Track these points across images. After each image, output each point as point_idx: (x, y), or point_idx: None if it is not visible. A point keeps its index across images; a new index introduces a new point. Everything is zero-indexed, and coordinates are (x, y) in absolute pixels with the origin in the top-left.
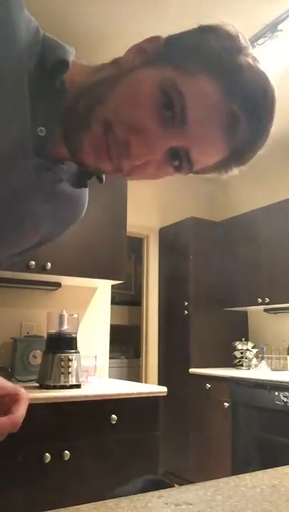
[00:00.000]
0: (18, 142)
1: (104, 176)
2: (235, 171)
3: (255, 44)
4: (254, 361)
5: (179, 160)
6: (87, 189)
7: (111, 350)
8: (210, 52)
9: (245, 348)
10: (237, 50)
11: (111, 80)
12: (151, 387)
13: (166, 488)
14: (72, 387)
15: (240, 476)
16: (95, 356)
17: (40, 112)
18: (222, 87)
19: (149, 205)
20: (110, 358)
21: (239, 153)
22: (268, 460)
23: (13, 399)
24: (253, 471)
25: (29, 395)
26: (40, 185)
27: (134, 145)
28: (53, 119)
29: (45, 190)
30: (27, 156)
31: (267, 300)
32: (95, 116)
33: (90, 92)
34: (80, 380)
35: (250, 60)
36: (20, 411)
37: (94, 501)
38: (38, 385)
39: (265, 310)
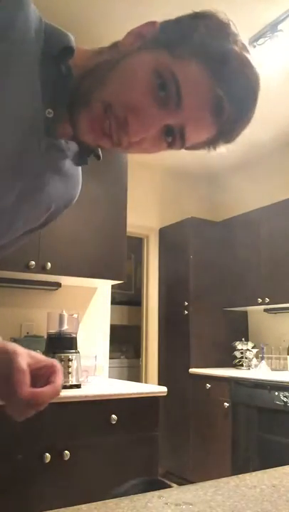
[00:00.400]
0: (32, 124)
1: (100, 154)
2: (222, 149)
3: (255, 44)
4: (254, 361)
5: (172, 137)
6: (80, 168)
7: (111, 350)
8: (200, 39)
9: (245, 348)
10: (226, 38)
11: (111, 63)
12: (151, 387)
13: (164, 488)
14: (72, 387)
15: (240, 476)
16: (95, 356)
17: (48, 95)
18: (210, 73)
19: (149, 205)
20: (110, 358)
21: (225, 132)
22: (268, 460)
23: (50, 370)
24: (253, 471)
25: None
26: (51, 164)
27: (132, 123)
28: (60, 102)
29: (54, 168)
30: (39, 136)
31: (267, 300)
32: (96, 97)
33: (91, 74)
34: (80, 380)
35: (237, 48)
36: (59, 380)
37: (94, 501)
38: None
39: (265, 310)
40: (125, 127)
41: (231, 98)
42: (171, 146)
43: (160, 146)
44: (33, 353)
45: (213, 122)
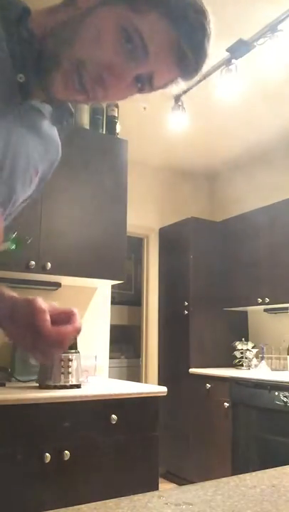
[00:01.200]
0: (6, 89)
1: (72, 110)
2: (182, 84)
3: (255, 44)
4: (254, 361)
5: (142, 83)
6: (57, 132)
7: (111, 350)
8: None
9: (245, 348)
10: None
11: (74, 22)
12: (151, 387)
13: None
14: (72, 387)
15: (240, 476)
16: (95, 356)
17: (17, 61)
18: (167, 20)
19: (149, 205)
20: (110, 358)
21: (187, 71)
22: (268, 460)
23: (68, 314)
24: (253, 471)
25: (29, 395)
26: (30, 125)
27: (108, 80)
28: (29, 66)
29: (34, 129)
30: (15, 100)
31: (267, 300)
32: (66, 57)
33: (54, 35)
34: (80, 380)
35: None
36: (78, 321)
37: (94, 501)
38: (38, 385)
39: (265, 310)
40: (102, 83)
41: (188, 39)
42: (141, 91)
43: (131, 92)
44: (52, 303)
45: (176, 64)
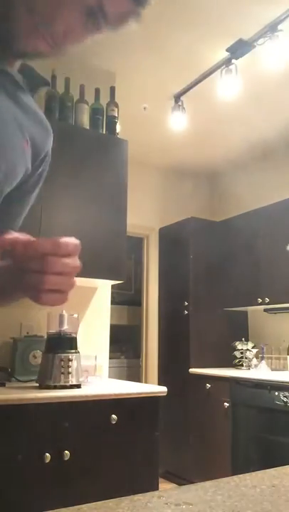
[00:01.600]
0: None
1: (48, 81)
2: (142, 11)
3: (255, 44)
4: (254, 361)
5: (94, 15)
6: (38, 108)
7: (111, 350)
8: None
9: (245, 348)
10: None
11: None
12: (151, 387)
13: None
14: (72, 387)
15: (240, 476)
16: (95, 356)
17: None
18: None
19: (149, 205)
20: (110, 358)
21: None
22: (268, 460)
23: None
24: (253, 471)
25: (29, 395)
26: (9, 92)
27: (56, 13)
28: None
29: (14, 97)
30: None
31: (267, 300)
32: (17, 6)
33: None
34: (80, 380)
35: None
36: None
37: (94, 501)
38: (38, 385)
39: (265, 310)
40: (52, 20)
41: None
42: (97, 26)
43: (88, 28)
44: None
45: None
